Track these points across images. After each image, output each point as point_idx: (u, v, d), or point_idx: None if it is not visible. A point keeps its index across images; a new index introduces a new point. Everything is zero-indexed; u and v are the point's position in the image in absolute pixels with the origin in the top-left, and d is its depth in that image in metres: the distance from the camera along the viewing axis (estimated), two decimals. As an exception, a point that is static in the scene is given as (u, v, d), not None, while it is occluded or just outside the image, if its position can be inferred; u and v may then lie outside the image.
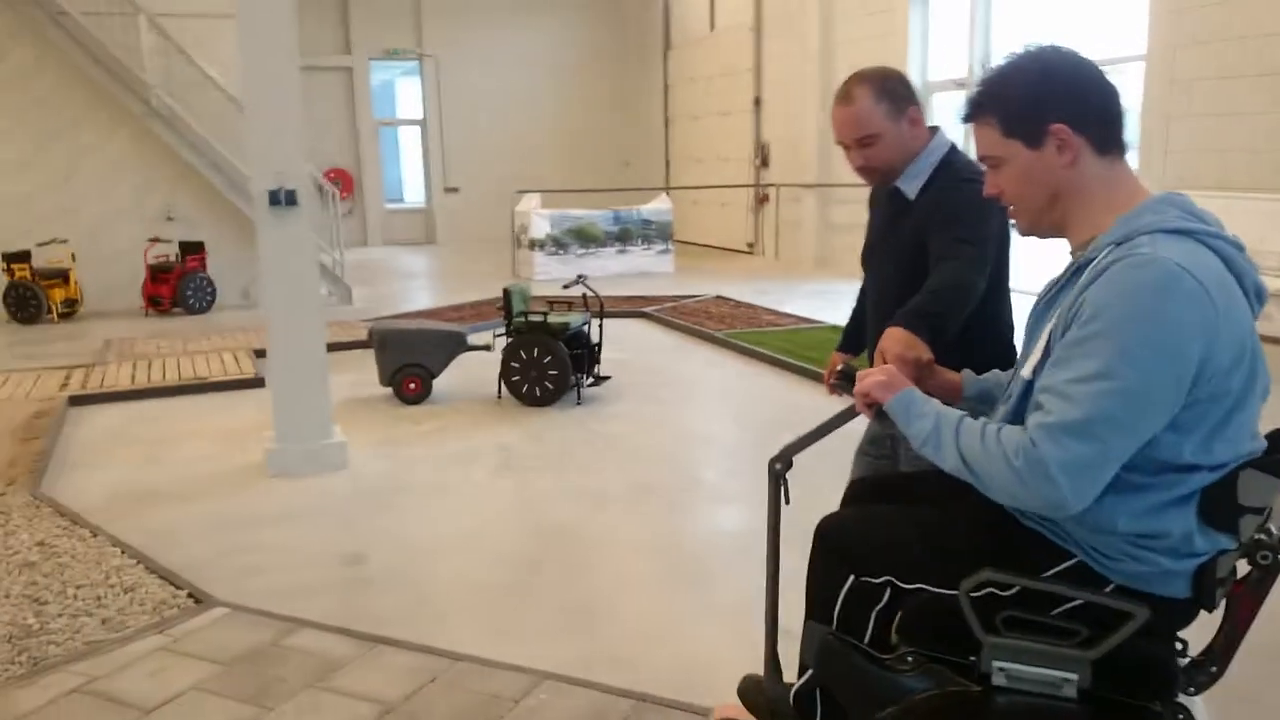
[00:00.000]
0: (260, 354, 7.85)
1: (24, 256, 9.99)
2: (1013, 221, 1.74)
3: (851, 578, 1.75)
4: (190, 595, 3.56)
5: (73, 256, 10.29)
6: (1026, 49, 1.64)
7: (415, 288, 13.08)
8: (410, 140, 19.37)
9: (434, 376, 6.59)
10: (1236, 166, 8.02)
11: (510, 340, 6.45)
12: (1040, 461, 1.44)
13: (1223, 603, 1.57)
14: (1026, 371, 1.61)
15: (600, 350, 6.63)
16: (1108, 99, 1.60)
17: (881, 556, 1.72)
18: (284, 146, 4.94)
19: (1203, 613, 1.61)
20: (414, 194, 19.67)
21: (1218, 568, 1.52)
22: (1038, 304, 1.71)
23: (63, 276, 10.13)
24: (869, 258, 2.75)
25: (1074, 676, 1.46)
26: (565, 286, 6.68)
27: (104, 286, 10.58)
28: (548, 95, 18.42)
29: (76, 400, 6.50)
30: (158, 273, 10.38)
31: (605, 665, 3.05)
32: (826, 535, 1.84)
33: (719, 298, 10.82)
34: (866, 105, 2.44)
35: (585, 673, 2.98)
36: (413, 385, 6.52)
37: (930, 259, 2.40)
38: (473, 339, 6.80)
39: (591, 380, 6.59)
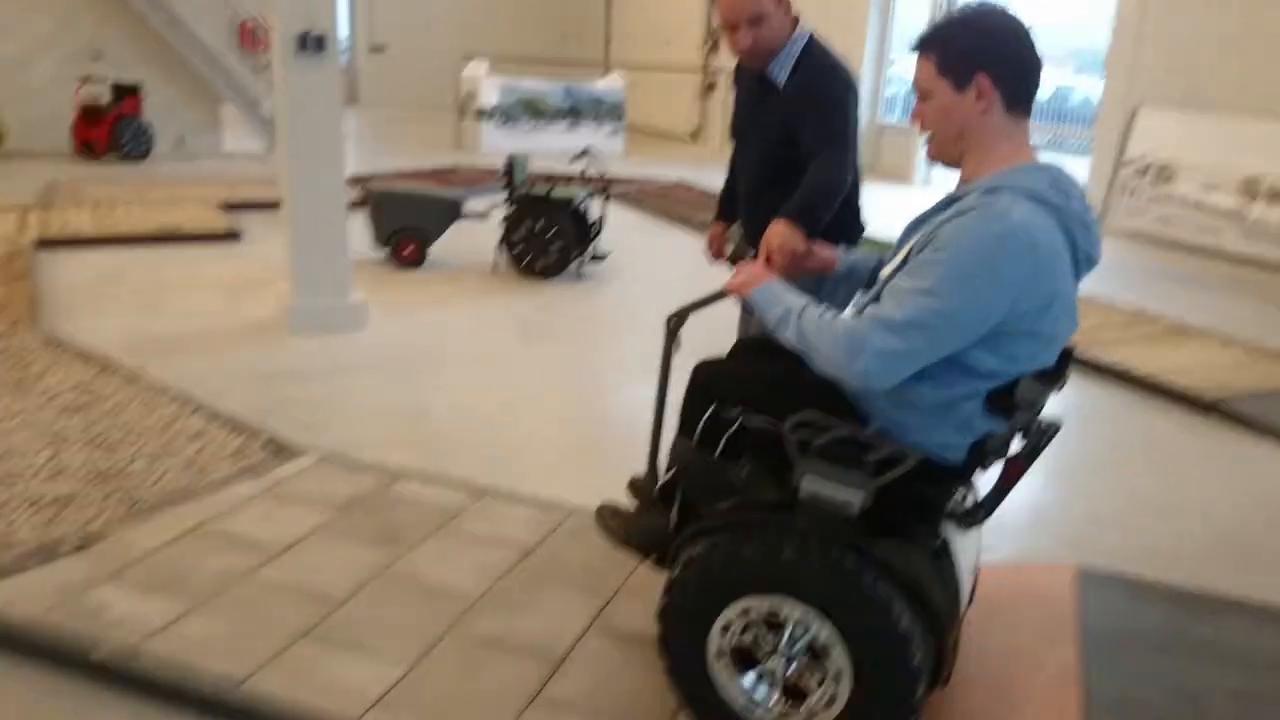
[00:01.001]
0: (230, 207, 7.51)
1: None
2: (923, 145, 2.04)
3: (712, 406, 2.20)
4: (266, 444, 3.50)
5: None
6: (981, 4, 1.92)
7: (350, 153, 12.52)
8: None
9: (430, 242, 6.44)
10: (1203, 86, 8.39)
11: (513, 211, 6.34)
12: (860, 343, 1.81)
13: (997, 467, 1.96)
14: (885, 273, 1.97)
15: (601, 227, 6.58)
16: (1030, 66, 1.88)
17: (737, 393, 2.17)
18: (318, -12, 4.64)
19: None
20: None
21: (989, 444, 1.90)
22: (912, 220, 2.03)
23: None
24: (739, 135, 3.00)
25: (857, 497, 1.88)
26: (573, 159, 6.56)
27: (25, 124, 9.76)
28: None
29: (44, 244, 6.08)
30: (90, 114, 9.62)
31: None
32: (699, 373, 2.32)
33: (679, 182, 10.78)
34: None
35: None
36: (409, 249, 6.36)
37: (803, 150, 2.71)
38: (468, 207, 6.64)
39: (592, 256, 6.56)
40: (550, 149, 12.82)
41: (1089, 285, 7.11)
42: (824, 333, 1.88)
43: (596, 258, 6.58)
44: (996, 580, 2.83)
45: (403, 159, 10.67)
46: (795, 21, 2.74)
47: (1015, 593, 2.77)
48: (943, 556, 2.00)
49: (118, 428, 3.53)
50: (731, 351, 2.55)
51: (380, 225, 6.30)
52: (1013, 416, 1.87)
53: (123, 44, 10.13)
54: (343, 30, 17.69)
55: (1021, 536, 3.33)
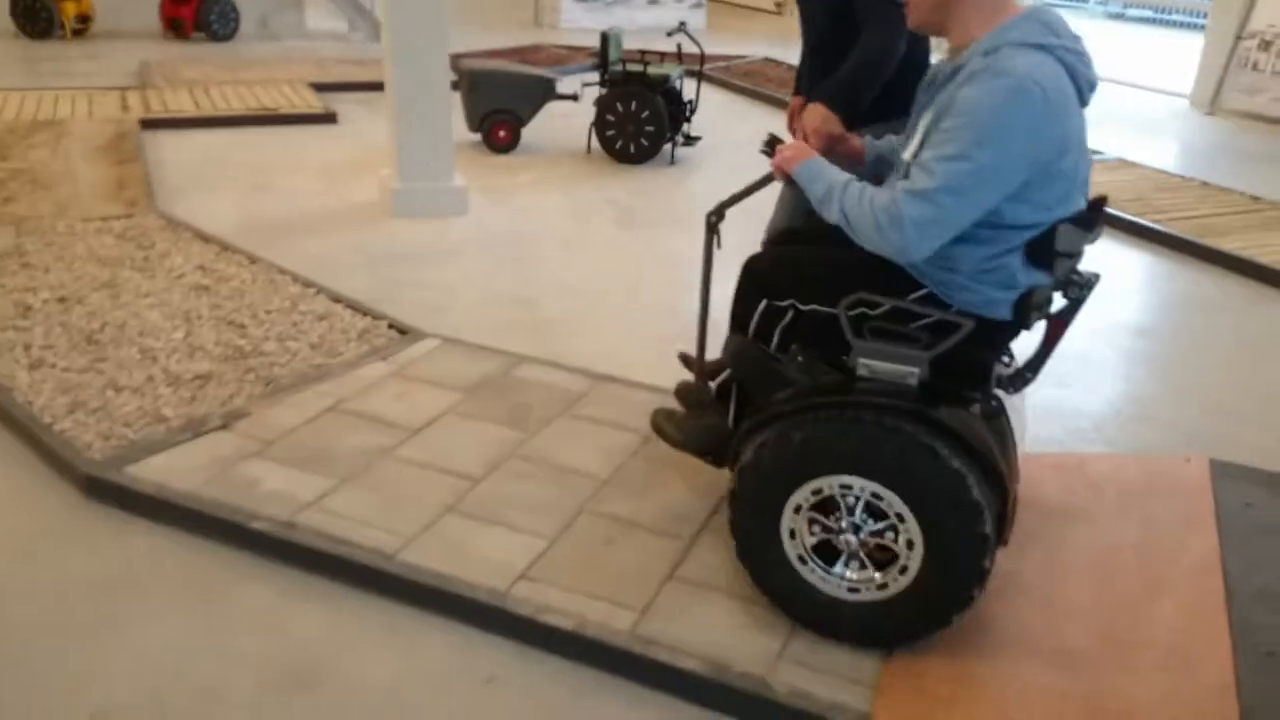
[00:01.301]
0: (322, 88, 7.49)
1: (27, -37, 9.12)
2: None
3: (764, 301, 2.24)
4: (391, 326, 3.57)
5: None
6: None
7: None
8: None
9: (523, 124, 6.35)
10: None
11: (605, 91, 6.20)
12: (898, 217, 1.85)
13: (1040, 327, 2.05)
14: (908, 155, 1.98)
15: (695, 108, 6.41)
16: None
17: (787, 285, 2.20)
18: None
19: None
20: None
21: (1034, 297, 1.97)
22: (919, 96, 2.06)
23: (71, -13, 9.30)
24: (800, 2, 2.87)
25: (916, 370, 1.95)
26: (669, 34, 6.35)
27: (112, 4, 9.76)
28: None
29: (147, 124, 6.17)
30: (177, -8, 9.59)
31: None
32: (748, 269, 2.33)
33: (767, 60, 10.41)
34: None
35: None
36: (503, 133, 6.29)
37: (857, 17, 2.58)
38: (560, 86, 6.51)
39: (684, 139, 6.41)
40: (632, 23, 12.47)
41: (1202, 171, 6.72)
42: (864, 207, 1.92)
43: (689, 141, 6.44)
44: (1128, 470, 2.81)
45: (482, 37, 10.44)
46: None
47: (1149, 483, 2.74)
48: (999, 417, 2.06)
49: (245, 308, 3.63)
50: (770, 241, 2.55)
51: (473, 108, 6.22)
52: (1053, 267, 1.95)
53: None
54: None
55: (1147, 429, 3.27)
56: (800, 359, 2.13)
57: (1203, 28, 15.12)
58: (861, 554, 2.06)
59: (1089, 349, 3.87)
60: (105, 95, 6.85)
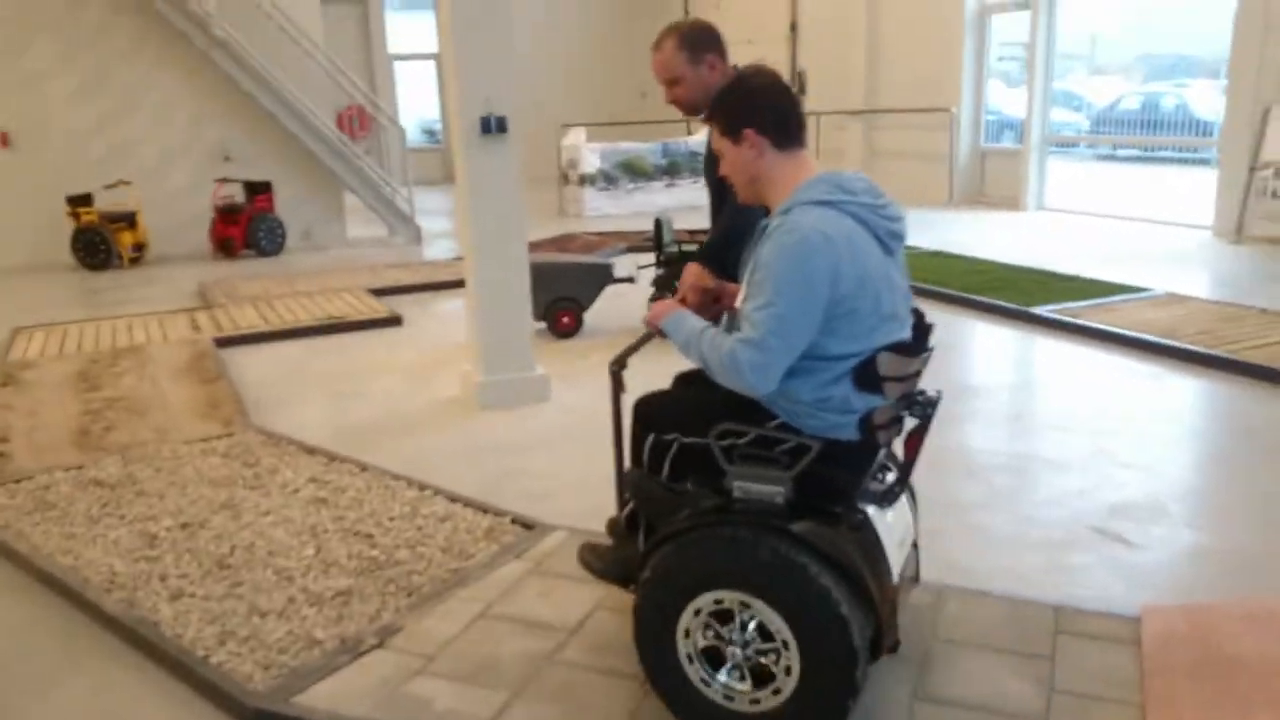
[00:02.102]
0: (378, 293, 7.73)
1: (87, 199, 9.62)
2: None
3: (651, 436, 2.50)
4: (514, 521, 3.54)
5: (138, 200, 9.93)
6: (742, 70, 2.42)
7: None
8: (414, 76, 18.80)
9: (585, 309, 6.52)
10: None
11: (662, 271, 6.39)
12: (738, 363, 2.15)
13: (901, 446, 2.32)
14: (739, 304, 2.29)
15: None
16: (786, 111, 2.28)
17: (669, 421, 2.46)
18: (495, 73, 4.80)
19: None
20: (417, 134, 19.09)
21: (875, 417, 2.21)
22: (746, 252, 2.34)
23: (129, 220, 9.78)
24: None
25: (781, 489, 2.19)
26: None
27: (165, 229, 10.24)
28: (556, 25, 17.98)
29: (221, 342, 6.34)
30: (227, 214, 10.06)
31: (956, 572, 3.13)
32: (637, 409, 2.60)
33: (793, 227, 10.77)
34: (669, 52, 2.96)
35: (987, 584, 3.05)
36: (566, 319, 6.45)
37: (726, 189, 2.88)
38: (616, 271, 6.72)
39: (744, 308, 6.54)
40: (653, 205, 13.02)
41: (1251, 297, 6.76)
42: (715, 353, 2.21)
43: (749, 310, 6.57)
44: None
45: (532, 230, 10.91)
46: (726, 69, 2.98)
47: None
48: (864, 531, 2.25)
49: (368, 517, 3.61)
50: (675, 383, 2.81)
51: (538, 297, 6.39)
52: (881, 389, 2.21)
53: (250, 143, 10.60)
54: (437, 112, 18.35)
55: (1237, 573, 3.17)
56: (690, 486, 2.38)
57: (1192, 162, 15.78)
58: (744, 667, 2.24)
59: (1213, 485, 3.81)
60: (174, 318, 7.07)
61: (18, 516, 3.70)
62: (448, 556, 3.30)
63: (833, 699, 2.14)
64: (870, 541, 2.24)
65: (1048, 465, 4.02)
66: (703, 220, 6.59)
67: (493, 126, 4.78)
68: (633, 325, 6.76)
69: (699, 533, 2.24)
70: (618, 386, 2.70)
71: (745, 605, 2.17)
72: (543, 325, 6.42)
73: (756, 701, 2.22)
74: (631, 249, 9.80)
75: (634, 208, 12.99)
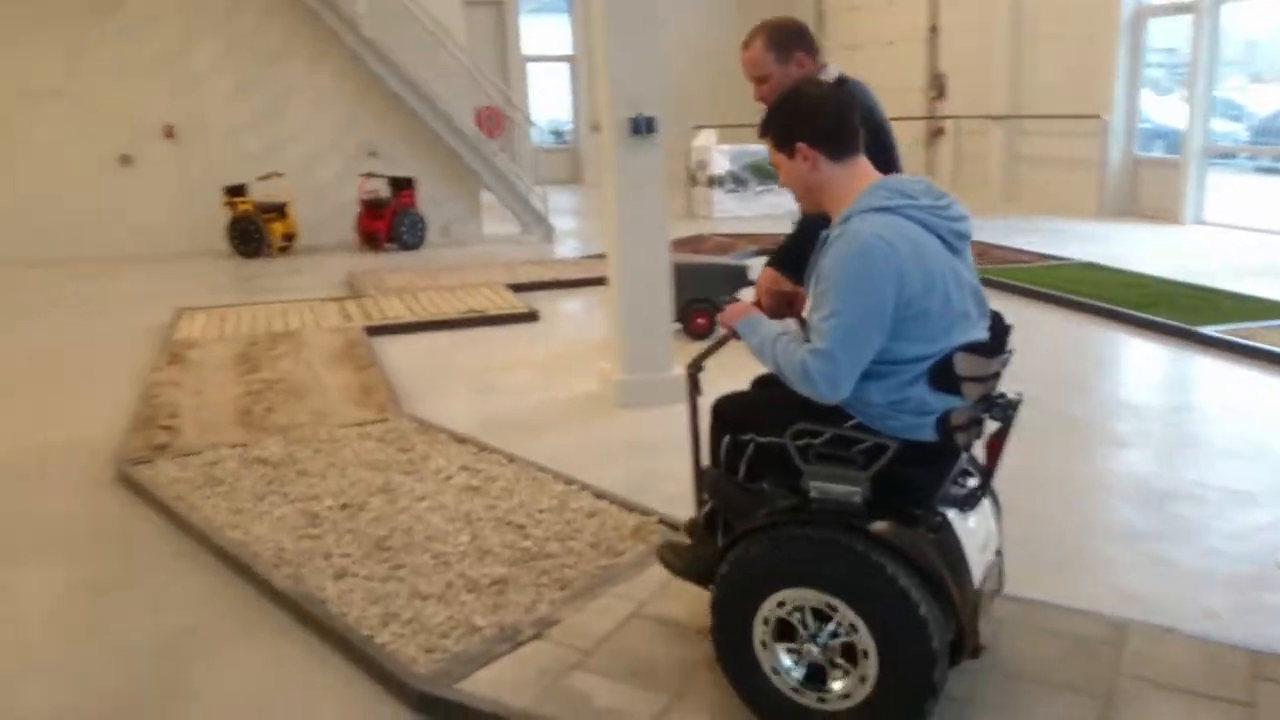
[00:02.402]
0: (515, 288, 7.87)
1: (242, 190, 10.12)
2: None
3: (728, 436, 2.52)
4: (662, 521, 3.52)
5: (288, 191, 10.40)
6: (794, 84, 2.48)
7: (591, 231, 12.87)
8: (549, 77, 19.09)
9: (719, 310, 6.47)
10: None
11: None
12: (809, 372, 2.17)
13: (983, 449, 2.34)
14: (806, 314, 2.38)
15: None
16: (838, 122, 2.29)
17: (746, 421, 2.48)
18: (645, 75, 4.81)
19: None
20: (543, 134, 19.34)
21: (953, 418, 2.20)
22: (809, 265, 2.36)
23: (280, 210, 10.24)
24: None
25: (858, 489, 2.20)
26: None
27: (313, 221, 10.68)
28: (692, 28, 17.97)
29: (371, 330, 6.55)
30: (372, 208, 10.43)
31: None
32: (715, 410, 2.60)
33: (930, 234, 10.47)
34: (758, 50, 2.97)
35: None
36: (701, 320, 6.42)
37: None
38: (751, 273, 6.65)
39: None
40: (779, 208, 12.86)
41: None
42: (787, 360, 2.23)
43: (890, 317, 6.40)
44: None
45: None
46: (822, 68, 3.01)
47: None
48: (944, 533, 2.22)
49: (518, 508, 3.65)
50: (754, 384, 2.77)
51: (675, 297, 6.38)
52: (959, 390, 2.19)
53: (393, 140, 10.97)
54: (567, 113, 18.61)
55: None
56: (765, 486, 2.38)
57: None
58: (825, 663, 2.24)
59: None
60: (325, 306, 7.35)
61: (189, 489, 3.89)
62: (597, 552, 3.30)
63: (911, 699, 2.14)
64: (950, 544, 2.22)
65: (1230, 496, 3.75)
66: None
67: (642, 128, 4.78)
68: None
69: (777, 530, 2.26)
70: (694, 388, 2.72)
71: (828, 605, 2.18)
72: (678, 325, 6.42)
73: (833, 699, 2.23)
74: (763, 251, 9.73)
75: (762, 210, 12.87)
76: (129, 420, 4.80)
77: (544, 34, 18.39)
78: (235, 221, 10.03)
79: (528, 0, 17.68)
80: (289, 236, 10.34)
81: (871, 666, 2.15)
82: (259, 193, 10.25)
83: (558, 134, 19.20)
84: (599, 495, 3.75)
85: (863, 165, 2.31)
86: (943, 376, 2.19)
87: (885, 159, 2.91)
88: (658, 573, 3.13)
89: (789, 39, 2.98)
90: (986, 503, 2.43)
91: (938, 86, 14.52)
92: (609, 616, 2.88)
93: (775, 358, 2.26)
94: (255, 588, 3.20)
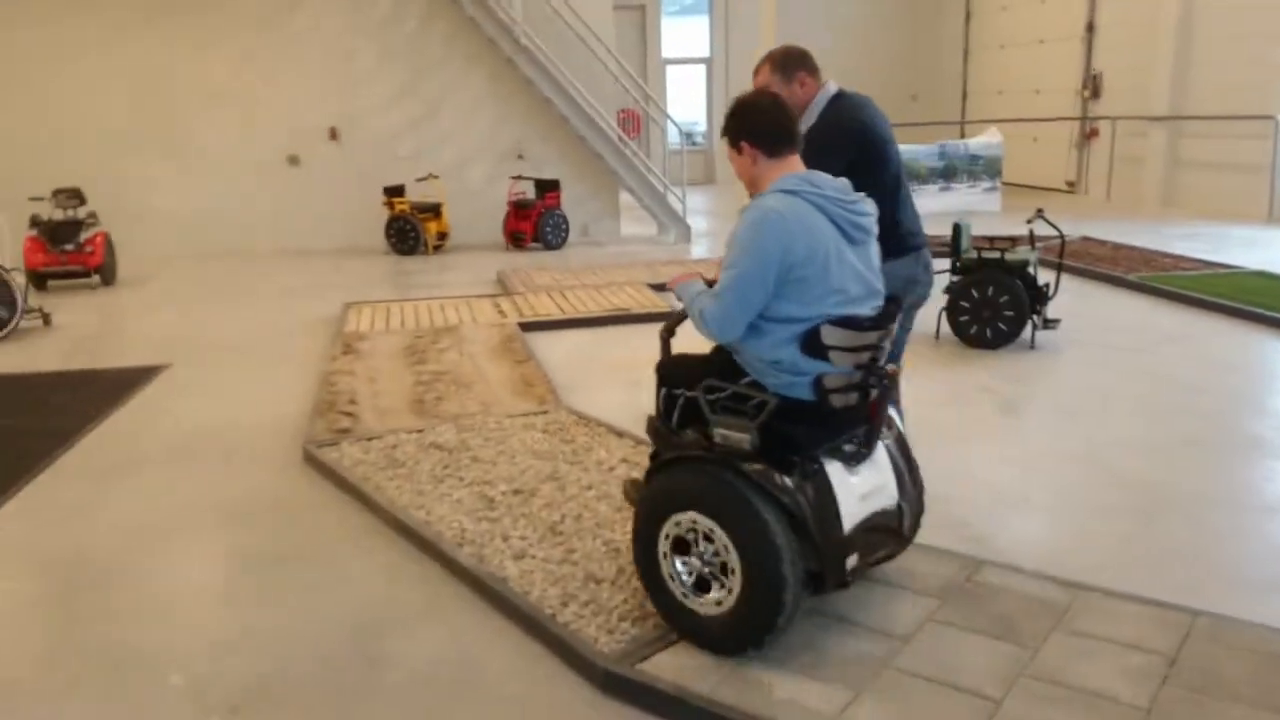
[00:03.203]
0: (655, 287, 7.99)
1: (400, 191, 10.61)
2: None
3: (664, 391, 3.00)
4: (827, 522, 3.54)
5: (442, 191, 10.84)
6: (739, 95, 2.85)
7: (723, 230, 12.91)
8: (687, 80, 19.21)
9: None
10: None
11: (959, 278, 6.18)
12: (702, 314, 2.71)
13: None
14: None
15: (1054, 292, 6.23)
16: (775, 124, 2.75)
17: (678, 379, 2.93)
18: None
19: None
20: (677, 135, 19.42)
21: (825, 381, 2.64)
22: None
23: (435, 211, 10.69)
24: None
25: (748, 437, 2.62)
26: (1028, 221, 6.32)
27: (464, 220, 11.11)
28: (832, 28, 17.78)
29: (525, 326, 6.78)
30: (520, 209, 10.76)
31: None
32: (657, 369, 3.07)
33: (1086, 238, 10.10)
34: (766, 75, 3.41)
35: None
36: (851, 322, 6.38)
37: None
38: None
39: (1044, 323, 6.21)
40: (925, 210, 12.57)
41: None
42: (695, 310, 2.74)
43: (1049, 324, 6.22)
44: None
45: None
46: (821, 85, 3.44)
47: None
48: (816, 480, 2.62)
49: (680, 502, 3.73)
50: (713, 350, 3.04)
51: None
52: (827, 357, 2.62)
53: (540, 143, 11.29)
54: (701, 114, 18.72)
55: None
56: (688, 431, 2.86)
57: None
58: (709, 576, 2.69)
59: None
60: (479, 302, 7.65)
61: (374, 471, 4.14)
62: (765, 549, 3.35)
63: (764, 613, 2.59)
64: (821, 490, 2.61)
65: None
66: (995, 225, 6.33)
67: (808, 128, 4.80)
68: (917, 331, 6.60)
69: (681, 465, 2.76)
70: (665, 349, 3.11)
71: (710, 528, 2.63)
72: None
73: (708, 606, 2.69)
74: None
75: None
76: (312, 405, 5.13)
77: (683, 36, 18.55)
78: (393, 220, 10.52)
79: (670, 3, 17.86)
80: (443, 235, 10.77)
81: (737, 582, 2.61)
82: (415, 193, 10.72)
83: (689, 136, 19.31)
84: (761, 493, 3.80)
85: (793, 162, 2.77)
86: (812, 343, 2.63)
87: (873, 171, 3.29)
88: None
89: (790, 63, 3.41)
90: (884, 460, 2.82)
91: (1092, 87, 13.93)
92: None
93: (690, 309, 2.78)
94: (440, 564, 3.39)
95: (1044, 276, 6.28)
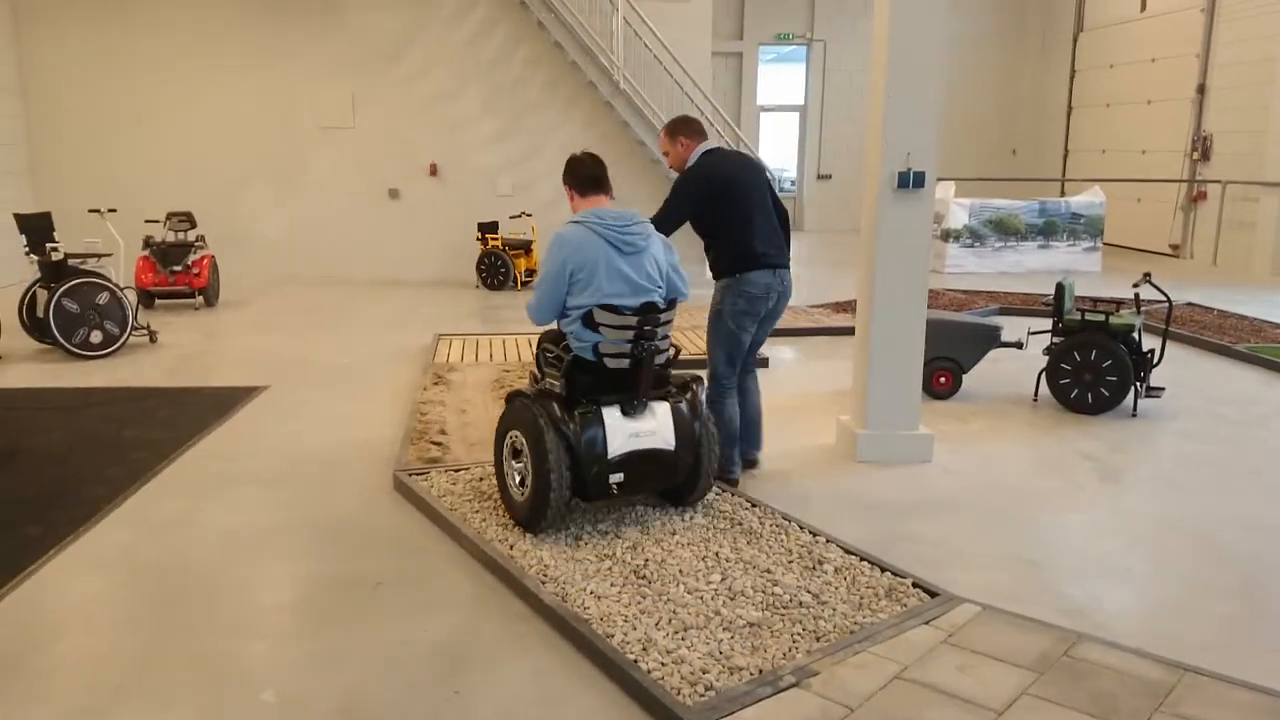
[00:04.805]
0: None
1: (494, 227, 10.84)
2: None
3: (537, 350, 4.26)
4: (916, 585, 3.45)
5: (534, 230, 11.05)
6: (573, 155, 4.10)
7: (831, 279, 12.64)
8: (779, 127, 19.27)
9: (965, 371, 6.29)
10: None
11: (1061, 340, 6.02)
12: (527, 305, 3.97)
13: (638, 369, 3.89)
14: None
15: (1159, 358, 6.02)
16: (586, 173, 4.01)
17: (543, 342, 4.22)
18: (921, 130, 4.81)
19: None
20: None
21: (600, 347, 3.79)
22: None
23: (526, 248, 10.88)
24: None
25: (558, 384, 3.86)
26: (1134, 285, 6.14)
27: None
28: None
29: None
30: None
31: None
32: (538, 340, 4.36)
33: (1190, 304, 9.74)
34: (662, 136, 4.64)
35: None
36: (944, 379, 6.25)
37: None
38: (1005, 335, 6.43)
39: (1147, 391, 5.99)
40: (1021, 266, 12.38)
41: None
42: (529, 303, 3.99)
43: (1152, 392, 6.00)
44: None
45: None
46: (696, 145, 4.54)
47: None
48: (590, 416, 3.77)
49: (765, 554, 3.69)
50: None
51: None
52: (598, 330, 3.75)
53: (627, 185, 11.34)
54: (792, 161, 18.73)
55: None
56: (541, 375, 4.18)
57: None
58: (521, 472, 3.90)
59: None
60: (568, 338, 7.72)
61: (461, 502, 4.19)
62: (850, 608, 3.28)
63: (537, 503, 3.75)
64: (591, 423, 3.74)
65: None
66: (1096, 285, 6.14)
67: (910, 182, 4.77)
68: (1013, 392, 6.45)
69: (516, 399, 3.93)
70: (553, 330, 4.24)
71: (524, 441, 3.80)
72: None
73: (519, 494, 3.87)
74: (1004, 310, 9.35)
75: (1001, 266, 12.43)
76: (403, 432, 5.24)
77: (778, 84, 18.65)
78: (485, 255, 10.74)
79: (767, 50, 18.00)
80: (531, 272, 10.94)
81: (530, 479, 3.76)
82: (507, 229, 10.93)
83: (779, 182, 19.32)
84: (847, 551, 3.73)
85: (600, 200, 3.96)
86: (588, 321, 3.76)
87: (721, 209, 4.44)
88: (917, 638, 3.10)
89: (676, 129, 4.55)
90: (665, 414, 3.87)
91: (1202, 149, 13.51)
92: (871, 675, 2.86)
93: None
94: (524, 600, 3.40)
95: (1149, 342, 6.08)
